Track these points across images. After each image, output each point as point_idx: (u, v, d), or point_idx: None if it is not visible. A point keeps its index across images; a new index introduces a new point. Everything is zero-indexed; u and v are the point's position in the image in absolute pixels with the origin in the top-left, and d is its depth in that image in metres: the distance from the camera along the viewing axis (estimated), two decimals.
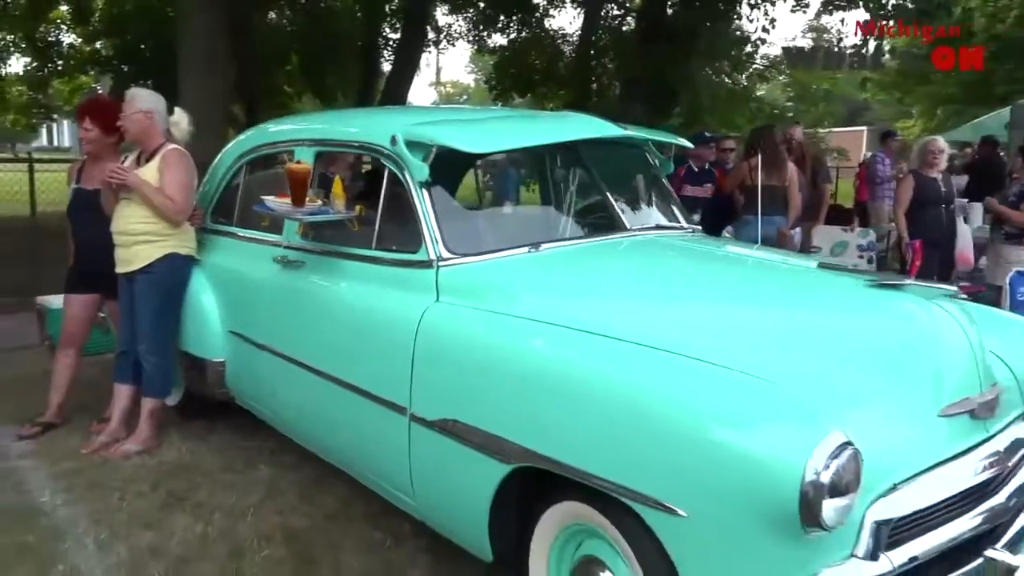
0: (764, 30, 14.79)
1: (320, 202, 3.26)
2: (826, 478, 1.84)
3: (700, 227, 3.76)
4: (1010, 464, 2.43)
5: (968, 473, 2.26)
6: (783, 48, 22.44)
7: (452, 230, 2.99)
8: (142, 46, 16.25)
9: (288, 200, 3.25)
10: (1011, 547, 2.29)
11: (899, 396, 2.24)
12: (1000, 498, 2.34)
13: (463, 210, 3.21)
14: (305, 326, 3.41)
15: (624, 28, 17.06)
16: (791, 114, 23.78)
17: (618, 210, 3.32)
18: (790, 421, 1.97)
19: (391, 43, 20.46)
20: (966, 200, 7.84)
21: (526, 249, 3.00)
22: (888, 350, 2.33)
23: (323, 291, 3.34)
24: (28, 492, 3.65)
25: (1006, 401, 2.50)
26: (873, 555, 2.00)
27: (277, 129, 4.09)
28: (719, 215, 7.09)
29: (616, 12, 18.03)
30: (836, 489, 1.86)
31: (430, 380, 2.74)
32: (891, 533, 2.06)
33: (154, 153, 4.00)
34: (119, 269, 3.99)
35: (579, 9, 18.62)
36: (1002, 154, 10.43)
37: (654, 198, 3.59)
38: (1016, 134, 8.83)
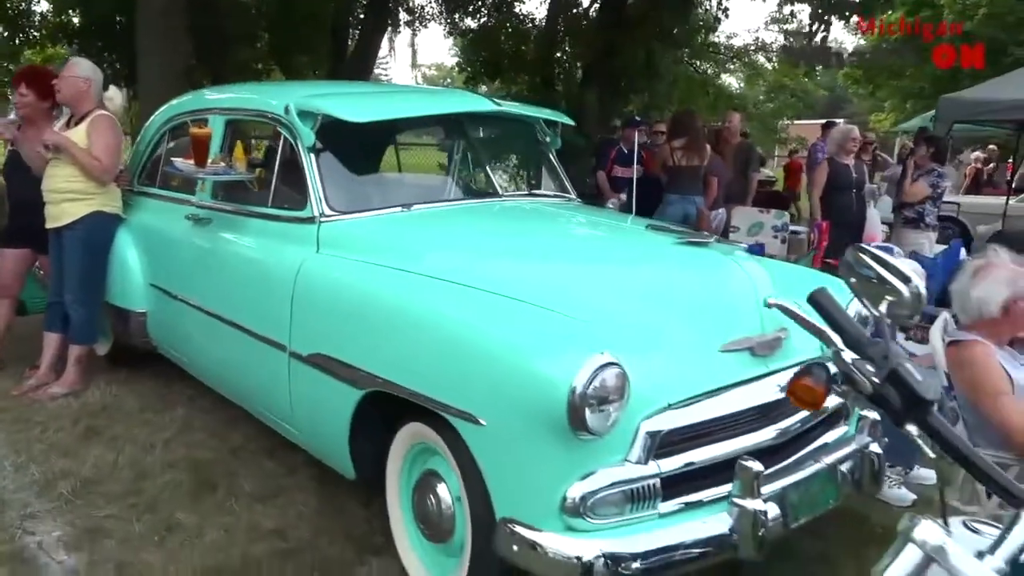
0: (716, 20, 15.16)
1: (223, 164, 3.61)
2: (590, 390, 2.23)
3: (617, 202, 4.14)
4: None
5: (743, 400, 2.66)
6: (780, 46, 22.79)
7: (335, 190, 3.36)
8: (112, 20, 16.38)
9: (191, 162, 3.60)
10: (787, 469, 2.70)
11: (683, 332, 2.63)
12: (772, 428, 2.72)
13: (348, 173, 3.56)
14: (211, 277, 3.77)
15: (588, 13, 17.35)
16: (757, 106, 24.25)
17: (494, 178, 3.70)
18: (569, 344, 2.36)
19: (358, 24, 20.61)
20: (875, 186, 8.27)
21: (399, 209, 3.37)
22: (680, 293, 2.72)
23: (226, 245, 3.70)
24: None
25: (792, 345, 2.88)
26: (644, 460, 2.40)
27: (195, 98, 4.44)
28: (647, 194, 7.50)
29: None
30: (601, 400, 2.25)
31: (304, 320, 3.12)
32: (664, 444, 2.45)
33: (84, 117, 4.32)
34: (48, 225, 4.32)
35: None
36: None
37: (535, 169, 3.97)
38: (940, 127, 9.25)
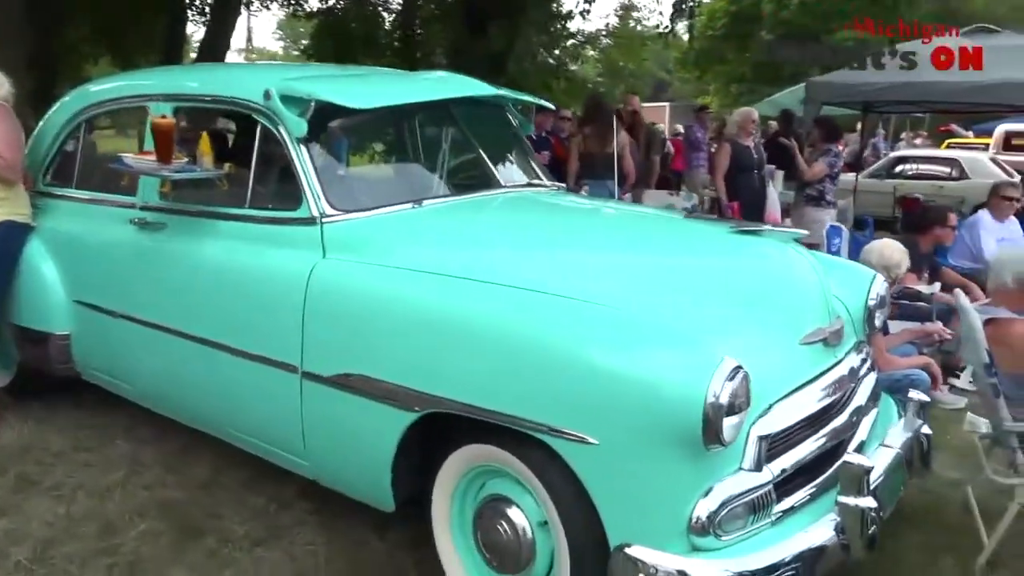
0: (584, 12, 15.34)
1: (186, 159, 3.10)
2: (724, 399, 2.05)
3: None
4: (851, 387, 2.78)
5: (824, 393, 2.57)
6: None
7: (334, 187, 2.97)
8: None
9: (151, 157, 3.07)
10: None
11: (767, 327, 2.50)
12: (843, 416, 2.68)
13: (343, 167, 3.17)
14: (170, 290, 3.25)
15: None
16: (603, 89, 24.82)
17: (492, 167, 3.41)
18: (686, 350, 2.17)
19: (196, 4, 19.28)
20: (773, 167, 8.62)
21: (409, 205, 3.03)
22: (754, 287, 2.59)
23: (190, 253, 3.20)
24: None
25: (846, 332, 2.85)
26: (757, 467, 2.25)
27: (119, 84, 3.82)
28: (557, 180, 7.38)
29: None
30: (732, 408, 2.08)
31: (323, 336, 2.73)
32: (768, 447, 2.32)
33: None
34: None
35: None
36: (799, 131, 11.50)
37: (520, 156, 3.71)
38: (809, 108, 9.72)
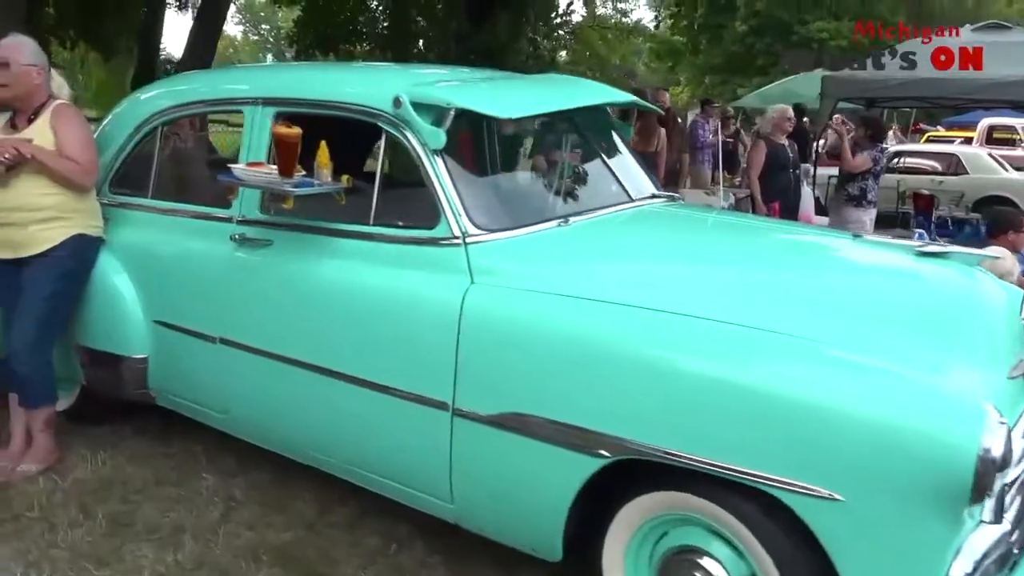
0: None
1: (303, 172, 2.81)
2: (997, 452, 1.86)
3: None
4: None
5: None
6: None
7: (475, 203, 2.72)
8: None
9: (266, 170, 2.79)
10: None
11: (978, 362, 2.32)
12: None
13: (481, 180, 2.92)
14: (282, 314, 2.97)
15: None
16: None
17: (620, 178, 3.18)
18: (944, 398, 1.98)
19: None
20: (808, 165, 8.49)
21: (555, 223, 2.79)
22: (957, 318, 2.41)
23: (305, 273, 2.92)
24: None
25: None
26: (998, 518, 2.07)
27: (206, 85, 3.49)
28: None
29: None
30: (1004, 463, 1.89)
31: (482, 371, 2.48)
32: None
33: (37, 112, 3.28)
34: (4, 255, 3.25)
35: None
36: (806, 120, 11.41)
37: (635, 165, 3.48)
38: (827, 103, 9.63)
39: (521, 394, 2.41)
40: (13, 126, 3.30)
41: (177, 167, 3.67)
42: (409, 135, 2.74)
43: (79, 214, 3.31)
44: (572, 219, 2.82)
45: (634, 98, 3.30)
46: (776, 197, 7.13)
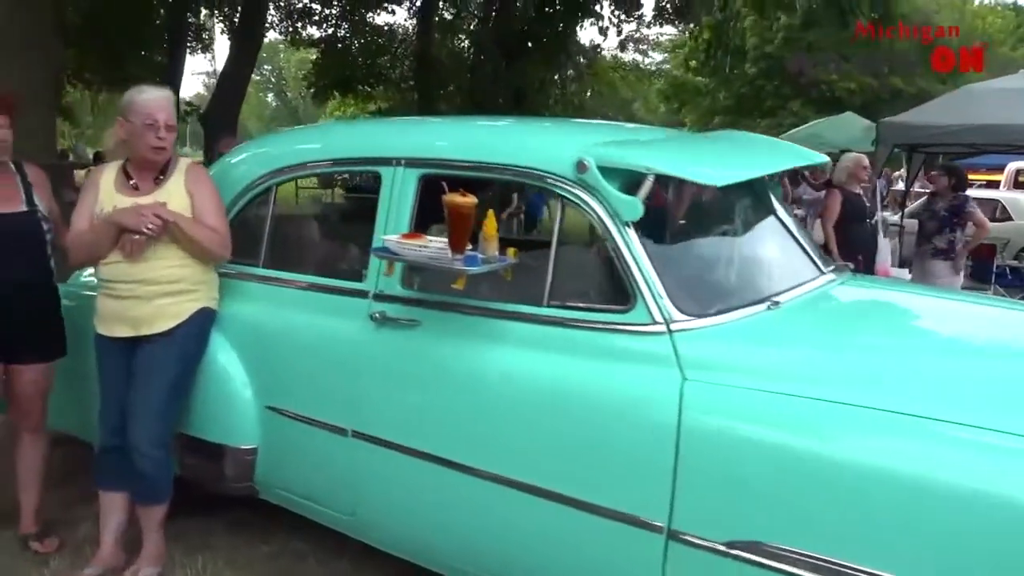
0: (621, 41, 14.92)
1: (471, 246, 2.42)
2: None
3: None
4: None
5: None
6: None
7: (676, 282, 2.34)
8: None
9: (416, 241, 2.41)
10: None
11: None
12: None
13: (678, 255, 2.54)
14: (433, 407, 2.57)
15: (465, 31, 16.53)
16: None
17: (805, 248, 2.81)
18: None
19: (191, 27, 18.62)
20: (887, 214, 8.18)
21: (764, 305, 2.41)
22: None
23: (465, 361, 2.52)
24: None
25: None
26: None
27: (329, 141, 3.11)
28: None
29: (449, 16, 17.46)
30: None
31: (710, 488, 2.08)
32: None
33: (165, 171, 2.90)
34: (122, 332, 2.85)
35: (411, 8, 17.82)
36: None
37: (803, 231, 3.12)
38: (881, 150, 9.37)
39: (759, 518, 2.01)
40: (135, 187, 2.89)
41: (294, 232, 3.30)
42: (593, 203, 2.37)
43: (206, 286, 2.93)
44: (778, 299, 2.44)
45: (827, 158, 2.93)
46: (856, 250, 6.78)
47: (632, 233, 2.33)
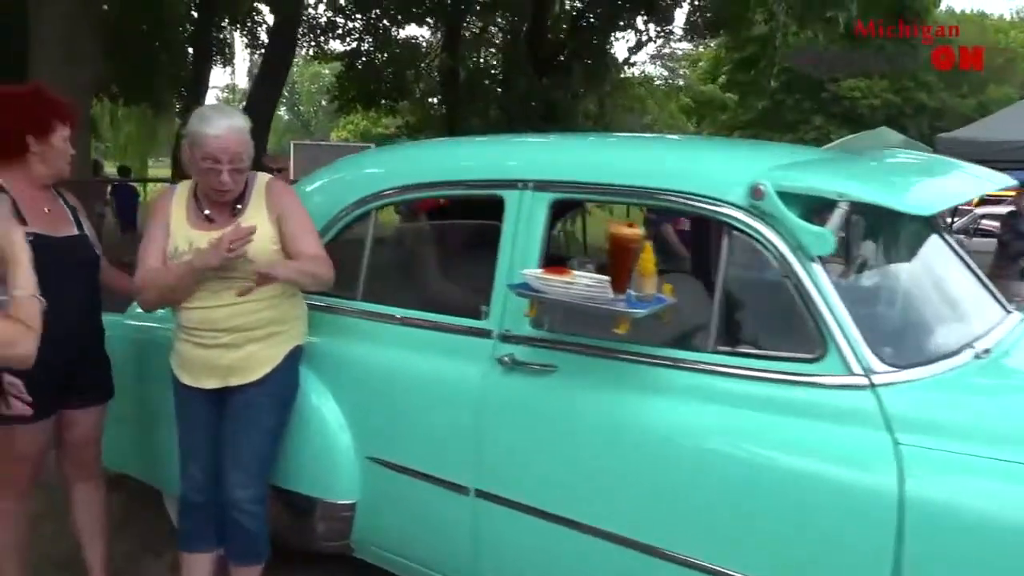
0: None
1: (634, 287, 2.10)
2: None
3: None
4: None
5: None
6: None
7: (874, 327, 2.02)
8: None
9: (559, 277, 2.08)
10: None
11: None
12: None
13: (869, 294, 2.21)
14: (577, 466, 2.23)
15: (495, 46, 16.32)
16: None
17: (990, 287, 2.48)
18: None
19: (214, 41, 18.48)
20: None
21: (970, 354, 2.08)
22: None
23: (615, 414, 2.19)
24: None
25: None
26: None
27: (439, 160, 2.79)
28: None
29: (476, 30, 17.26)
30: None
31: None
32: None
33: (241, 196, 2.53)
34: (211, 384, 2.52)
35: (436, 23, 17.61)
36: None
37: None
38: None
39: None
40: (209, 219, 2.52)
41: (396, 262, 2.98)
42: (770, 235, 2.05)
43: (298, 322, 2.62)
44: (982, 346, 2.11)
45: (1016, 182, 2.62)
46: None
47: (820, 270, 2.01)
